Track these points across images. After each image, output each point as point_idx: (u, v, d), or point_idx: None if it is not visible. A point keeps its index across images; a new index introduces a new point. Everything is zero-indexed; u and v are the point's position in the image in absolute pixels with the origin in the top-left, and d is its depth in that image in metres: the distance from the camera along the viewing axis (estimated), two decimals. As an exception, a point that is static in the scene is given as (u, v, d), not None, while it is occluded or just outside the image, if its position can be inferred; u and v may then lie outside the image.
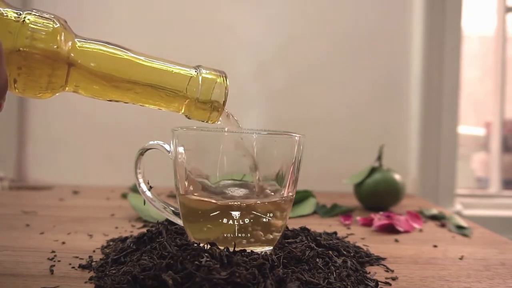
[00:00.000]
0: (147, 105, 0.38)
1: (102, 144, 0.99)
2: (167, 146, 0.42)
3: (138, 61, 0.37)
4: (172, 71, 0.37)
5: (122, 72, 0.36)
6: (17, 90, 0.34)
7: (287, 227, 0.46)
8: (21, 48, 0.32)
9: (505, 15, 1.21)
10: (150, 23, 0.99)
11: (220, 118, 0.40)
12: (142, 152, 0.43)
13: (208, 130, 0.41)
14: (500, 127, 1.20)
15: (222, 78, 0.38)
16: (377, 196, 0.73)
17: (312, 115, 1.00)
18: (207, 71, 0.38)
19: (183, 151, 0.40)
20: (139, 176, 0.43)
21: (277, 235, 0.41)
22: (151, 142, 0.43)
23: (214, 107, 0.38)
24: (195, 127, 0.43)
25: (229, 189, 0.40)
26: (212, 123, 0.40)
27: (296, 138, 0.40)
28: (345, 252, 0.43)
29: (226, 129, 0.41)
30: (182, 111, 0.39)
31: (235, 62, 0.97)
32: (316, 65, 1.01)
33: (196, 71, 0.38)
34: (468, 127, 1.40)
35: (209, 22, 0.99)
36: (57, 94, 0.36)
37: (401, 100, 1.02)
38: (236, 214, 0.38)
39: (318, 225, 0.61)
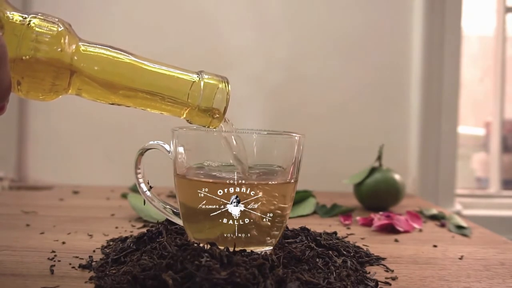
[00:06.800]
0: (149, 109, 0.38)
1: (102, 144, 0.99)
2: (167, 146, 0.42)
3: (141, 65, 0.37)
4: (175, 76, 0.37)
5: (125, 76, 0.36)
6: (20, 92, 0.34)
7: (287, 227, 0.46)
8: (25, 51, 0.32)
9: (505, 15, 1.21)
10: (147, 29, 0.99)
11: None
12: (142, 152, 0.43)
13: (208, 130, 0.41)
14: (500, 127, 1.20)
15: (224, 84, 0.38)
16: (377, 196, 0.73)
17: (312, 115, 1.00)
18: (209, 76, 0.38)
19: (183, 151, 0.40)
20: (139, 176, 0.43)
21: (277, 234, 0.41)
22: (151, 142, 0.43)
23: (215, 112, 0.38)
24: (195, 127, 0.43)
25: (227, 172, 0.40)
26: (214, 128, 0.40)
27: (296, 138, 0.40)
28: (345, 252, 0.43)
29: (216, 129, 0.40)
30: (184, 116, 0.39)
31: (235, 61, 0.97)
32: (316, 65, 1.01)
33: (198, 76, 0.38)
34: (468, 127, 1.40)
35: (208, 23, 0.99)
36: (60, 96, 0.36)
37: (401, 100, 1.02)
38: (236, 214, 0.38)
39: (318, 225, 0.61)
